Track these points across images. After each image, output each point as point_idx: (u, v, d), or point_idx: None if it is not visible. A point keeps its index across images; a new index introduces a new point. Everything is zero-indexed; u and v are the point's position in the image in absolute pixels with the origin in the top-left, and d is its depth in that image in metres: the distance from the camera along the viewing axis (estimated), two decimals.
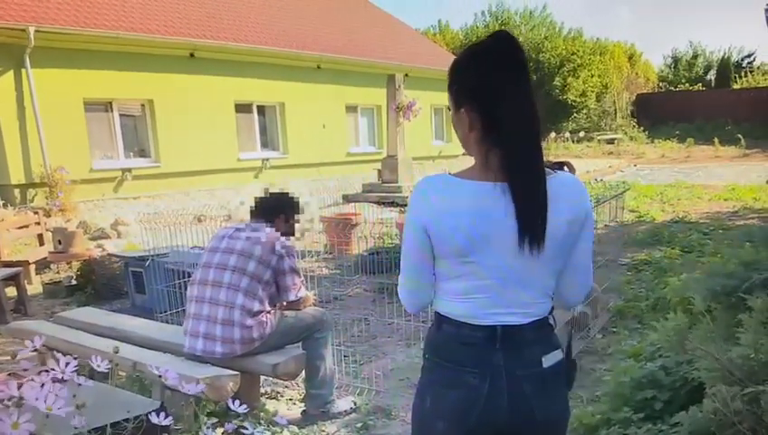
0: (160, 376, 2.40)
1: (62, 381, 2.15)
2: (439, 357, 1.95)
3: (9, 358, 5.55)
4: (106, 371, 2.43)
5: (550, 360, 1.92)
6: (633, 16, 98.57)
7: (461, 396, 1.88)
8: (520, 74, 1.82)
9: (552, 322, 1.99)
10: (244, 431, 2.74)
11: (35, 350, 2.46)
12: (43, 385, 2.06)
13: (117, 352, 3.23)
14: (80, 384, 2.22)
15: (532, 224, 1.76)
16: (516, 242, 1.77)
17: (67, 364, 2.19)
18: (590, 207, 1.93)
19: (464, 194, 1.79)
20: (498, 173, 1.77)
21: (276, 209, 4.46)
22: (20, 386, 2.05)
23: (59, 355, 2.33)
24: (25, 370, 2.53)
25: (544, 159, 1.85)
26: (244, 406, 2.63)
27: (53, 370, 2.17)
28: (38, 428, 2.11)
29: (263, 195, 4.64)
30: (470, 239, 1.79)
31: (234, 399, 2.68)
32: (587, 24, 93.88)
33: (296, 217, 4.61)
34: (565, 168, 2.04)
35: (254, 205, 4.52)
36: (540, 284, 1.88)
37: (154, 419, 2.35)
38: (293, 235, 4.56)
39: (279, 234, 4.27)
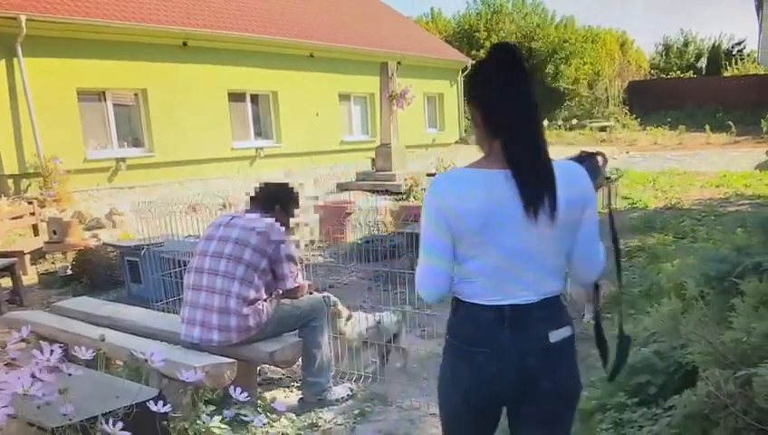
0: (147, 360, 2.42)
1: (54, 369, 2.18)
2: (454, 337, 2.17)
3: (2, 348, 5.56)
4: (90, 358, 2.45)
5: (557, 336, 2.08)
6: (626, 4, 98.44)
7: (472, 373, 2.09)
8: (516, 79, 2.04)
9: (564, 300, 2.16)
10: (244, 418, 2.78)
11: (23, 339, 2.48)
12: (33, 374, 2.08)
13: (103, 340, 3.27)
14: (69, 374, 2.24)
15: (534, 199, 1.96)
16: (524, 222, 1.97)
17: (52, 352, 2.21)
18: (591, 191, 2.10)
19: (475, 182, 2.00)
20: (502, 160, 2.00)
21: (275, 200, 4.48)
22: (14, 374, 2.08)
23: (44, 343, 2.35)
24: (14, 359, 2.55)
25: (581, 149, 2.12)
26: (245, 394, 2.65)
27: (46, 359, 2.19)
28: (28, 416, 2.14)
29: (261, 184, 4.65)
30: (482, 220, 1.97)
31: (237, 387, 2.70)
32: (578, 12, 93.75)
33: (294, 208, 4.64)
34: (599, 157, 2.32)
35: (252, 194, 4.54)
36: (547, 262, 2.06)
37: (152, 406, 2.37)
38: (290, 225, 4.58)
39: (276, 223, 4.29)
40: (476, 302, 2.07)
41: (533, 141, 2.05)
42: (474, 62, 1.97)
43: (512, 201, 1.97)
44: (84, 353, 2.42)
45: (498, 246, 2.01)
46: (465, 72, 26.57)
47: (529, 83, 2.07)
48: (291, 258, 4.30)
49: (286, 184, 4.74)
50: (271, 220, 4.28)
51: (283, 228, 4.35)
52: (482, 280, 2.05)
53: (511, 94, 2.02)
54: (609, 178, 2.32)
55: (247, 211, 4.44)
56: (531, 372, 2.05)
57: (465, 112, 25.35)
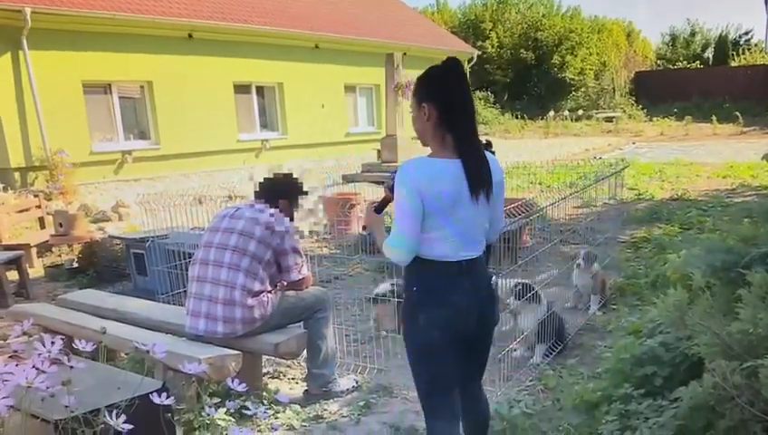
0: (148, 351, 2.41)
1: (57, 361, 2.17)
2: (427, 287, 2.74)
3: (4, 341, 5.57)
4: (92, 350, 2.44)
5: (493, 281, 2.92)
6: None
7: (448, 311, 2.71)
8: (465, 86, 2.70)
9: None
10: (246, 411, 2.77)
11: (26, 333, 2.48)
12: (35, 366, 2.08)
13: (104, 333, 3.26)
14: (71, 367, 2.24)
15: (478, 184, 2.65)
16: (472, 199, 2.63)
17: (53, 343, 2.21)
18: (503, 176, 2.88)
19: (444, 169, 2.62)
20: (454, 152, 2.63)
21: (280, 192, 4.46)
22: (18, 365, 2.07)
23: (46, 335, 2.34)
24: (15, 351, 2.55)
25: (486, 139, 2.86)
26: (244, 385, 2.65)
27: (50, 351, 2.18)
28: (31, 408, 2.14)
29: (268, 176, 4.64)
30: (452, 199, 2.61)
31: (235, 379, 2.70)
32: (584, 2, 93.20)
33: (299, 201, 4.62)
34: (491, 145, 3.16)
35: (258, 185, 4.52)
36: (483, 227, 2.79)
37: (155, 399, 2.36)
38: (295, 217, 4.55)
39: (281, 214, 4.28)
40: (444, 260, 2.69)
41: (477, 138, 2.71)
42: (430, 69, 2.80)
43: (464, 183, 2.62)
44: (85, 346, 2.42)
45: (457, 218, 2.64)
46: (471, 64, 26.52)
47: (471, 91, 2.74)
48: (296, 250, 4.30)
49: (291, 175, 4.72)
50: (276, 212, 4.27)
51: (289, 220, 4.34)
52: (447, 243, 2.67)
53: (463, 98, 2.67)
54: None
55: (252, 203, 4.42)
56: (485, 310, 2.82)
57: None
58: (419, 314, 2.75)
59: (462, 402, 3.03)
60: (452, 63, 2.69)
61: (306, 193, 4.72)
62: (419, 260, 2.71)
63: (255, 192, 4.51)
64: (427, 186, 2.56)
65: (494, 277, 2.93)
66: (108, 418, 2.20)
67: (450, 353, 2.78)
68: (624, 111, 33.68)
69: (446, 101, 2.64)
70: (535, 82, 36.74)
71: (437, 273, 2.71)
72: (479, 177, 2.64)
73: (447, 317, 2.71)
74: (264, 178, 4.59)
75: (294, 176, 4.72)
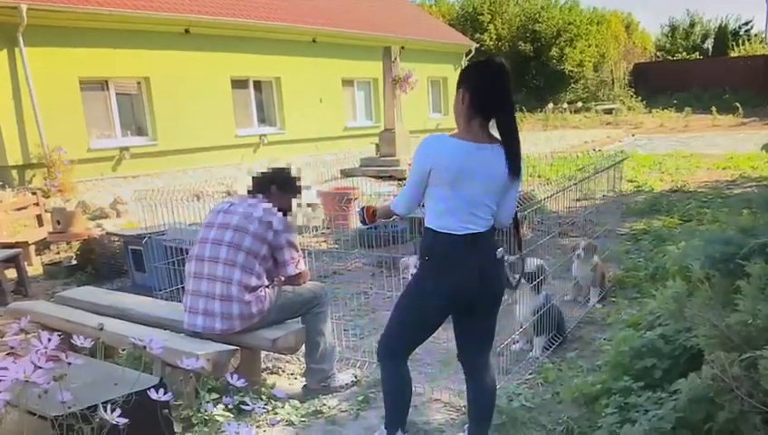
0: (146, 347, 2.40)
1: (54, 358, 2.16)
2: (436, 257, 3.09)
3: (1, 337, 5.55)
4: (89, 347, 2.43)
5: (499, 253, 3.17)
6: None
7: (454, 280, 3.06)
8: (505, 82, 2.97)
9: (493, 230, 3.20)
10: (245, 406, 2.76)
11: (23, 330, 2.46)
12: (32, 362, 2.06)
13: (102, 329, 3.25)
14: (69, 363, 2.22)
15: (513, 166, 2.99)
16: (480, 179, 2.95)
17: (49, 340, 2.19)
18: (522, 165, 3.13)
19: (453, 147, 2.95)
20: (476, 136, 2.97)
21: (271, 181, 4.42)
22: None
23: (43, 332, 2.33)
24: (12, 348, 2.53)
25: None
26: (243, 380, 2.63)
27: (46, 348, 2.17)
28: (29, 404, 2.12)
29: (263, 171, 4.60)
30: (455, 174, 2.93)
31: (234, 374, 2.68)
32: None
33: (295, 193, 4.57)
34: None
35: (252, 180, 4.49)
36: (489, 206, 3.05)
37: (153, 395, 2.35)
38: (290, 210, 4.51)
39: (275, 208, 4.25)
40: (449, 232, 3.01)
41: (514, 126, 3.00)
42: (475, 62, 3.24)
43: (476, 164, 2.93)
44: (83, 342, 2.40)
45: (463, 194, 2.96)
46: (469, 56, 26.44)
47: (510, 88, 2.98)
48: (292, 244, 4.27)
49: (284, 168, 4.67)
50: (270, 206, 4.23)
51: (283, 214, 4.30)
52: (451, 216, 3.00)
53: (495, 90, 2.95)
54: None
55: (246, 197, 4.40)
56: (489, 278, 3.10)
57: None
58: (428, 279, 3.13)
59: (468, 383, 3.44)
60: (492, 60, 3.06)
61: (300, 188, 4.68)
62: (431, 231, 3.08)
63: (249, 186, 4.48)
64: (437, 157, 2.95)
65: (500, 249, 3.18)
66: (105, 414, 2.19)
67: (441, 315, 3.24)
68: (623, 103, 33.65)
69: (477, 88, 2.96)
70: (534, 75, 36.70)
71: (446, 244, 3.03)
72: (515, 159, 2.98)
73: (453, 285, 3.07)
74: (258, 172, 4.56)
75: (288, 168, 4.68)
